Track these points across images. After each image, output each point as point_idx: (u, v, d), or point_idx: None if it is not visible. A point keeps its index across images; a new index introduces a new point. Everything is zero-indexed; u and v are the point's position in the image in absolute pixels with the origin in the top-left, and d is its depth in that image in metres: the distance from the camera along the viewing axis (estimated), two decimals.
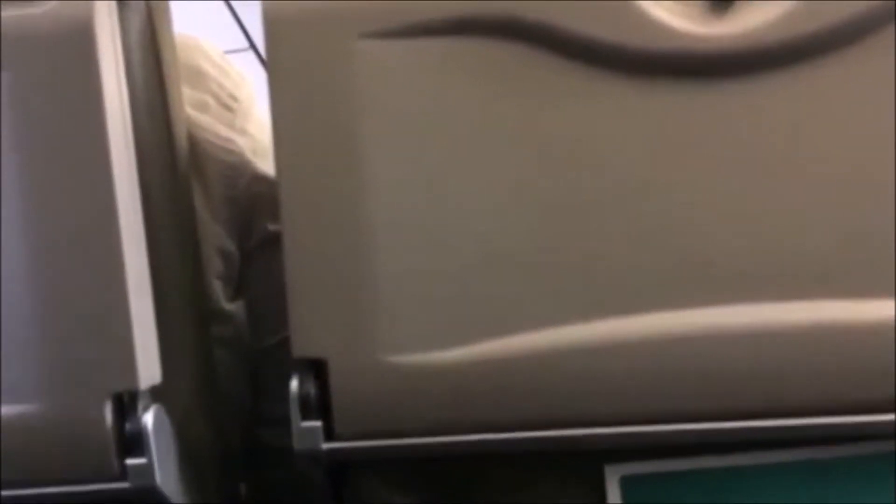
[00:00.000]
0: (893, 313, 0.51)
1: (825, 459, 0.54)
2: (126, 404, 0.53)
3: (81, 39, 0.51)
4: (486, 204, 0.53)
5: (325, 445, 0.54)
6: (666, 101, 0.52)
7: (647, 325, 0.52)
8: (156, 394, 0.55)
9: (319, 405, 0.54)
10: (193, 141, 0.64)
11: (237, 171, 0.66)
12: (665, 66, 0.51)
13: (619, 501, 0.55)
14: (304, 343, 0.54)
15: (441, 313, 0.53)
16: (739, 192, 0.52)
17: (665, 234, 0.52)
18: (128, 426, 0.53)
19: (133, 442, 0.53)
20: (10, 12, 0.52)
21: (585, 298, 0.53)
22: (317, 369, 0.54)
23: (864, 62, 0.51)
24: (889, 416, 0.51)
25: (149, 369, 0.54)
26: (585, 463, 0.55)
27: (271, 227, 0.65)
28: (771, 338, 0.52)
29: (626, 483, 0.55)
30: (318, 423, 0.54)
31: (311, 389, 0.54)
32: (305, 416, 0.54)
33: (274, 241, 0.58)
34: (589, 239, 0.53)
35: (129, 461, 0.53)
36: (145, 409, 0.54)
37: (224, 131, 0.66)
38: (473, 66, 0.52)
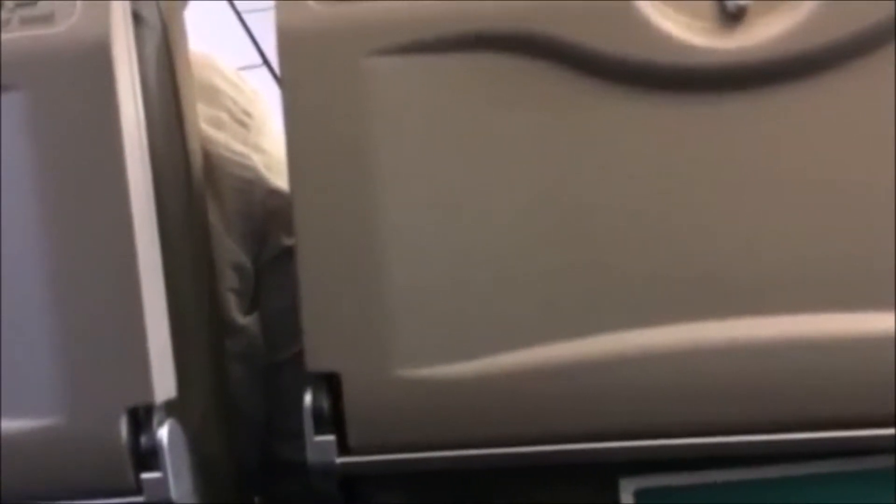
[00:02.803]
0: (894, 327, 0.51)
1: (832, 473, 0.53)
2: (141, 418, 0.54)
3: (98, 58, 0.52)
4: (498, 219, 0.53)
5: (339, 459, 0.54)
6: (675, 114, 0.52)
7: (653, 339, 0.52)
8: (171, 408, 0.55)
9: (333, 419, 0.54)
10: (208, 157, 0.65)
11: (252, 186, 0.66)
12: (674, 80, 0.51)
13: None
14: (318, 357, 0.54)
15: (454, 327, 0.53)
16: (747, 206, 0.52)
17: (674, 248, 0.52)
18: (143, 440, 0.54)
19: (148, 456, 0.54)
20: (28, 32, 0.52)
21: (597, 312, 0.53)
22: (330, 383, 0.54)
23: (870, 76, 0.51)
24: None
25: (164, 383, 0.54)
26: (600, 476, 0.55)
27: (286, 241, 0.66)
28: (775, 351, 0.52)
29: (641, 496, 0.55)
30: (331, 437, 0.54)
31: (325, 403, 0.54)
32: (319, 430, 0.54)
33: (288, 255, 0.59)
34: (600, 253, 0.53)
35: (145, 475, 0.54)
36: (160, 423, 0.54)
37: (238, 147, 0.67)
38: (484, 81, 0.53)
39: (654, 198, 0.52)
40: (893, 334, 0.51)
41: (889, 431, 0.51)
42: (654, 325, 0.52)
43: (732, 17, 0.50)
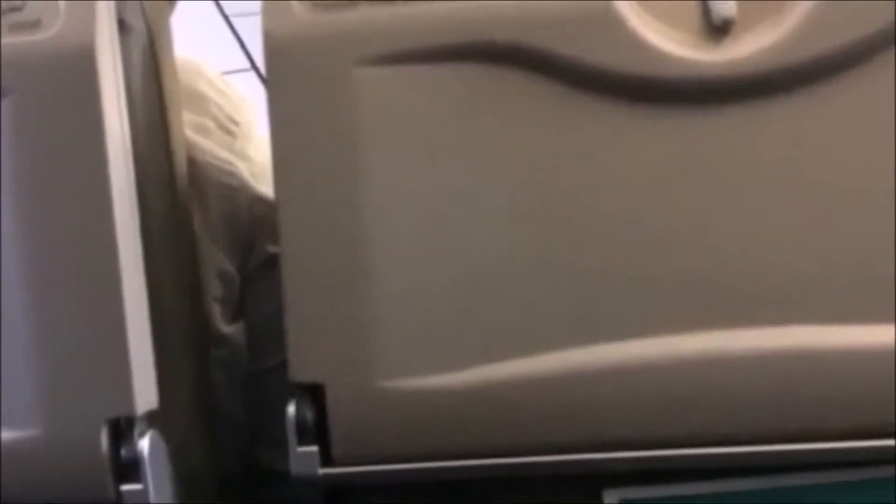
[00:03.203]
0: (894, 339, 0.51)
1: (824, 484, 0.54)
2: (122, 430, 0.53)
3: (83, 65, 0.52)
4: (485, 229, 0.53)
5: (322, 470, 0.54)
6: (662, 127, 0.52)
7: (644, 349, 0.52)
8: (152, 418, 0.55)
9: (316, 430, 0.54)
10: (193, 164, 0.64)
11: (237, 193, 0.66)
12: (661, 92, 0.51)
13: None
14: (302, 368, 0.54)
15: (439, 338, 0.53)
16: (739, 217, 0.52)
17: (662, 260, 0.52)
18: (123, 452, 0.53)
19: (129, 468, 0.53)
20: (13, 38, 0.52)
21: (583, 323, 0.53)
22: (314, 394, 0.54)
23: (858, 88, 0.51)
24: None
25: (145, 395, 0.54)
26: (584, 486, 0.55)
27: (271, 249, 0.65)
28: (770, 362, 0.52)
29: None
30: (314, 448, 0.54)
31: (309, 414, 0.54)
32: (302, 441, 0.54)
33: (274, 263, 0.58)
34: (586, 264, 0.53)
35: (125, 487, 0.53)
36: (141, 434, 0.53)
37: (224, 154, 0.66)
38: (471, 91, 0.52)
39: (639, 209, 0.52)
40: (891, 346, 0.51)
41: (885, 442, 0.51)
42: (641, 337, 0.52)
43: (719, 30, 0.51)
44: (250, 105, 0.70)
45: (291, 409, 0.54)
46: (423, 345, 0.53)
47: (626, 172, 0.52)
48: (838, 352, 0.52)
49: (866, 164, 0.52)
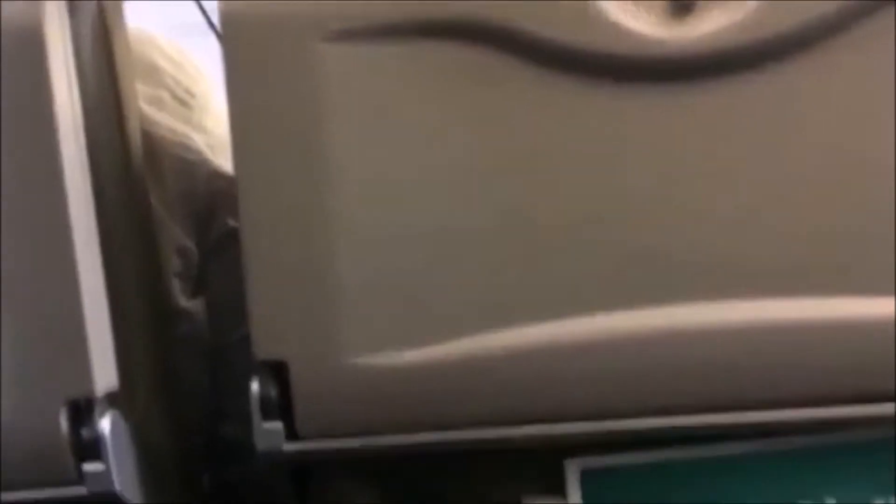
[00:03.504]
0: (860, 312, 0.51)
1: (790, 450, 0.55)
2: (82, 410, 0.53)
3: (30, 40, 0.50)
4: (448, 205, 0.53)
5: (287, 446, 0.54)
6: (629, 104, 0.51)
7: (607, 324, 0.53)
8: (113, 398, 0.54)
9: (281, 406, 0.54)
10: (148, 138, 0.63)
11: (194, 168, 0.65)
12: (626, 70, 0.51)
13: (578, 495, 0.55)
14: (265, 345, 0.54)
15: (402, 314, 0.53)
16: (709, 193, 0.52)
17: (625, 236, 0.53)
18: (84, 433, 0.53)
19: (90, 448, 0.53)
20: None
21: (547, 298, 0.53)
22: (278, 370, 0.54)
23: (830, 61, 0.51)
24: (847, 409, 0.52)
25: (105, 375, 0.53)
26: (546, 457, 0.56)
27: (231, 223, 0.64)
28: (742, 334, 0.52)
29: (587, 477, 0.56)
30: (279, 424, 0.54)
31: (273, 391, 0.54)
32: (267, 417, 0.54)
33: (234, 237, 0.57)
34: (550, 240, 0.53)
35: (86, 467, 0.53)
36: (102, 414, 0.53)
37: (180, 127, 0.65)
38: (435, 68, 0.52)
39: (605, 186, 0.52)
40: (862, 318, 0.52)
41: (848, 410, 0.52)
42: (607, 311, 0.53)
43: (684, 8, 0.50)
44: (207, 75, 0.69)
45: (255, 385, 0.54)
46: (387, 320, 0.53)
47: (593, 150, 0.52)
48: (804, 324, 0.52)
49: (840, 136, 0.52)
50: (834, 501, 0.55)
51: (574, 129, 0.52)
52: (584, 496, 0.56)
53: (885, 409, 0.52)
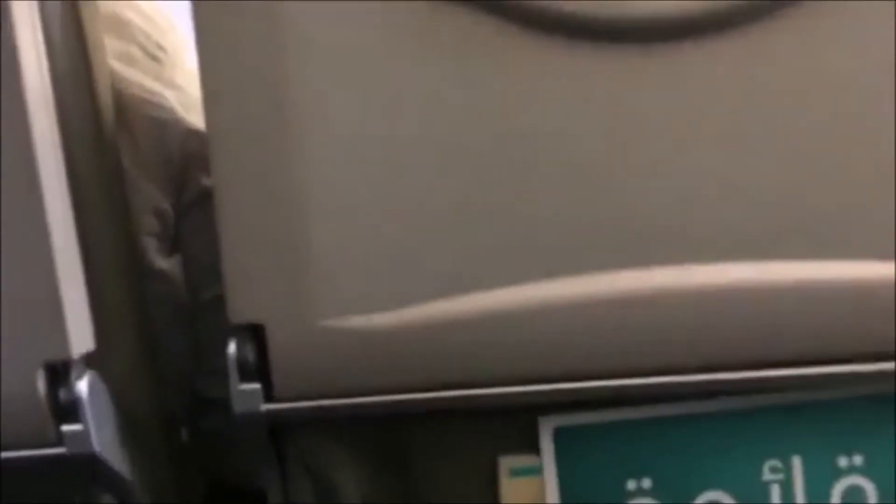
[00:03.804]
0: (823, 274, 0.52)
1: (759, 409, 0.56)
2: (60, 373, 0.53)
3: None
4: (422, 166, 0.52)
5: (265, 407, 0.55)
6: (608, 65, 0.51)
7: (577, 287, 0.53)
8: (90, 360, 0.54)
9: (258, 368, 0.54)
10: (119, 96, 0.62)
11: (167, 127, 0.64)
12: (595, 30, 0.50)
13: (552, 453, 0.57)
14: (241, 308, 0.54)
15: (378, 276, 0.53)
16: (672, 157, 0.52)
17: (596, 199, 0.53)
18: (62, 394, 0.53)
19: (69, 410, 0.53)
20: None
21: (518, 262, 0.53)
22: (255, 331, 0.54)
23: (795, 27, 0.51)
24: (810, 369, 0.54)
25: (81, 337, 0.53)
26: (520, 416, 0.56)
27: (206, 181, 0.64)
28: (702, 297, 0.53)
29: (560, 435, 0.57)
30: (256, 386, 0.54)
31: (250, 352, 0.54)
32: (244, 379, 0.54)
33: (209, 196, 0.57)
34: (521, 204, 0.53)
35: (65, 428, 0.53)
36: (79, 376, 0.53)
37: (152, 84, 0.64)
38: (406, 24, 0.51)
39: (573, 150, 0.52)
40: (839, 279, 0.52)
41: (813, 370, 0.53)
42: (580, 273, 0.53)
43: None
44: (178, 28, 0.67)
45: (232, 348, 0.54)
46: (362, 283, 0.53)
47: (572, 111, 0.52)
48: (774, 286, 0.53)
49: (826, 96, 0.51)
50: (800, 459, 0.57)
51: (552, 91, 0.51)
52: (558, 453, 0.57)
53: (853, 369, 0.53)
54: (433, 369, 0.54)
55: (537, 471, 0.57)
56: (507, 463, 0.57)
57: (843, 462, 0.56)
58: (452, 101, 0.52)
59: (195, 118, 0.64)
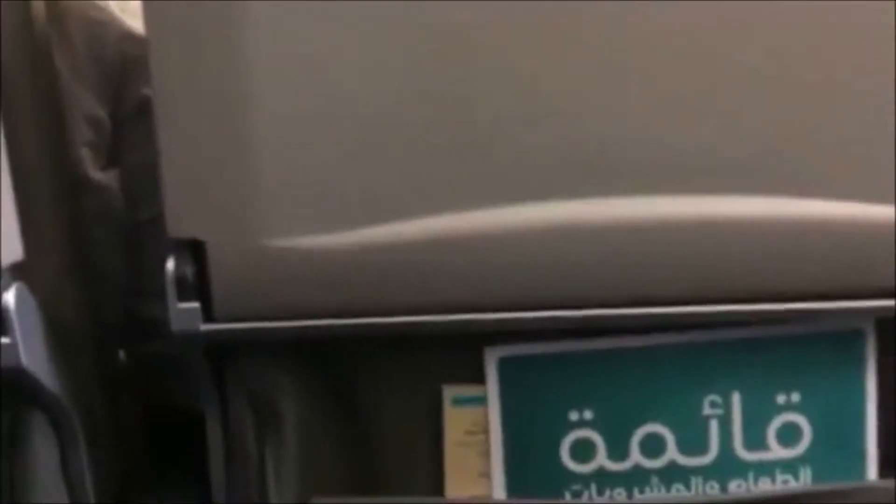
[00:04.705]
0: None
1: (700, 344, 0.56)
2: None
3: None
4: (372, 85, 0.51)
5: (203, 327, 0.53)
6: None
7: (529, 215, 0.52)
8: (19, 271, 0.52)
9: (197, 286, 0.53)
10: None
11: (104, 29, 0.60)
12: None
13: (496, 383, 0.56)
14: (180, 223, 0.52)
15: (323, 197, 0.52)
16: (634, 84, 0.51)
17: (551, 127, 0.51)
18: None
19: None
20: None
21: (470, 186, 0.52)
22: (194, 249, 0.52)
23: None
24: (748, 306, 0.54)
25: (9, 246, 0.51)
26: (465, 345, 0.56)
27: (146, 91, 0.61)
28: (651, 229, 0.53)
29: (505, 365, 0.57)
30: (195, 305, 0.53)
31: (189, 270, 0.52)
32: (182, 297, 0.53)
33: (149, 106, 0.54)
34: (475, 126, 0.51)
35: None
36: (6, 287, 0.51)
37: None
38: None
39: (538, 71, 0.51)
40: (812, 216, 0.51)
41: (754, 307, 0.53)
42: (527, 203, 0.52)
43: None
44: None
45: (171, 265, 0.52)
46: (306, 203, 0.52)
47: (520, 32, 0.50)
48: (721, 221, 0.52)
49: (823, 35, 0.50)
50: (739, 395, 0.57)
51: (505, 15, 0.50)
52: (502, 383, 0.57)
53: (794, 306, 0.53)
54: (378, 294, 0.53)
55: (481, 400, 0.57)
56: (450, 392, 0.57)
57: (781, 399, 0.57)
58: (403, 21, 0.50)
59: (134, 21, 0.61)
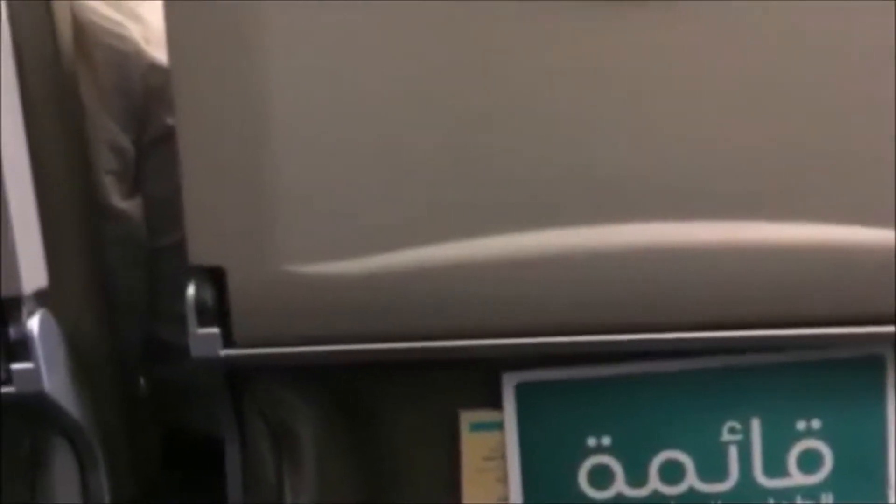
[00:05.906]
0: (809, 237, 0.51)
1: (720, 371, 0.56)
2: (10, 309, 0.51)
3: None
4: (390, 115, 0.51)
5: (223, 352, 0.54)
6: (576, 18, 0.50)
7: (553, 240, 0.52)
8: (42, 297, 0.53)
9: (217, 312, 0.53)
10: (79, 26, 0.59)
11: (129, 60, 0.61)
12: None
13: (514, 408, 0.56)
14: (201, 251, 0.52)
15: (341, 224, 0.52)
16: (647, 111, 0.51)
17: (568, 155, 0.52)
18: (12, 332, 0.51)
19: (19, 347, 0.51)
20: None
21: (489, 213, 0.52)
22: (215, 275, 0.53)
23: None
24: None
25: (33, 273, 0.52)
26: (483, 371, 0.56)
27: (169, 121, 0.62)
28: (660, 255, 0.53)
29: (522, 390, 0.57)
30: (215, 330, 0.53)
31: (209, 296, 0.53)
32: (203, 323, 0.53)
33: (171, 136, 0.55)
34: (492, 155, 0.52)
35: (15, 366, 0.52)
36: (31, 313, 0.52)
37: (114, 15, 0.61)
38: None
39: (548, 102, 0.51)
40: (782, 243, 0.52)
41: (773, 332, 0.53)
42: (545, 229, 0.52)
43: None
44: None
45: (191, 291, 0.53)
46: (325, 230, 0.52)
47: (536, 62, 0.51)
48: (731, 247, 0.53)
49: (821, 55, 0.50)
50: (759, 422, 0.57)
51: (518, 41, 0.50)
52: (519, 409, 0.57)
53: (809, 332, 0.53)
54: (396, 319, 0.53)
55: (498, 426, 0.57)
56: (467, 417, 0.57)
57: (801, 425, 0.57)
58: (423, 52, 0.51)
59: (158, 53, 0.62)
